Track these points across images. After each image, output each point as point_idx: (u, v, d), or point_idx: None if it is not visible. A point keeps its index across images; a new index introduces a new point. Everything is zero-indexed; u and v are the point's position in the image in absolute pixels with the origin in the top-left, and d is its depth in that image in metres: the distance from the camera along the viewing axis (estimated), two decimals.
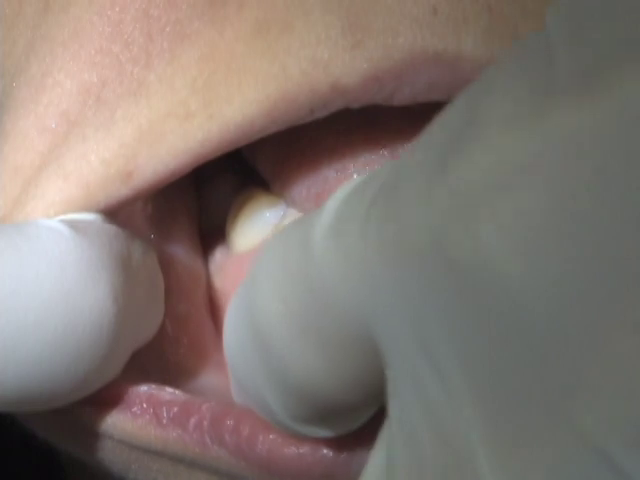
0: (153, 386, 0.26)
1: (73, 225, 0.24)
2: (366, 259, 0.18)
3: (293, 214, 0.30)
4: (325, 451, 0.24)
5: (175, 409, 0.25)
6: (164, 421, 0.25)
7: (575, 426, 0.14)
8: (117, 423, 0.26)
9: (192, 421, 0.25)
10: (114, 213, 0.26)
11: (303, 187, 0.29)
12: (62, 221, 0.24)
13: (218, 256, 0.31)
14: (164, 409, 0.25)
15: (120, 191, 0.25)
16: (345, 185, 0.20)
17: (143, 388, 0.26)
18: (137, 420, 0.26)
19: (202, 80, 0.25)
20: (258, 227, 0.31)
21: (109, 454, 0.27)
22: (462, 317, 0.16)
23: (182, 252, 0.30)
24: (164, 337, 0.28)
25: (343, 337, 0.19)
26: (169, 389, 0.26)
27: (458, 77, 0.24)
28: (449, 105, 0.17)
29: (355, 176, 0.29)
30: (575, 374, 0.14)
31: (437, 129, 0.17)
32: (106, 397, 0.26)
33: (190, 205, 0.31)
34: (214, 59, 0.25)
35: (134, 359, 0.26)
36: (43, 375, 0.23)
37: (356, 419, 0.23)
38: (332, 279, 0.19)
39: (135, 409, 0.26)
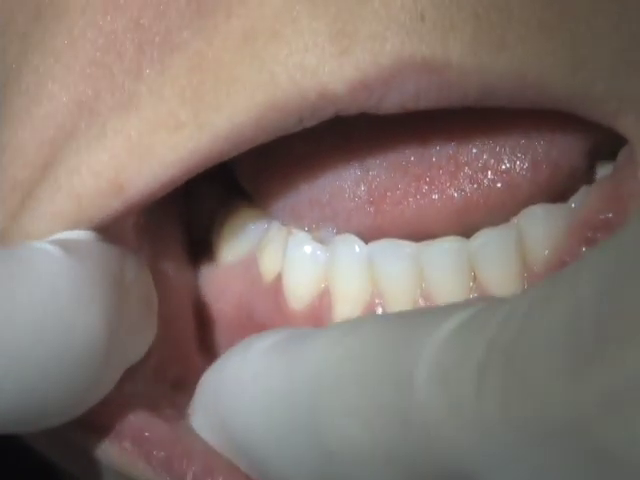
0: (143, 416, 0.25)
1: (65, 246, 0.24)
2: (483, 418, 0.18)
3: (276, 227, 0.30)
4: None
5: (162, 454, 0.25)
6: (152, 462, 0.25)
7: None
8: (108, 452, 0.25)
9: (177, 469, 0.25)
10: (107, 228, 0.25)
11: (279, 200, 0.29)
12: (54, 242, 0.24)
13: (203, 267, 0.31)
14: (153, 451, 0.25)
15: (112, 204, 0.25)
16: (435, 312, 0.20)
17: (133, 419, 0.25)
18: (127, 455, 0.25)
19: (191, 90, 0.24)
20: (243, 240, 0.30)
21: (102, 476, 0.26)
22: None
23: (172, 264, 0.29)
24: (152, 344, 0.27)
25: (436, 470, 0.19)
26: (158, 422, 0.25)
27: (445, 84, 0.24)
28: (583, 267, 0.17)
29: (325, 188, 0.29)
30: None
31: (564, 307, 0.17)
32: (98, 421, 0.25)
33: (179, 218, 0.31)
34: (202, 69, 0.24)
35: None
36: (37, 397, 0.23)
37: None
38: (438, 426, 0.19)
39: (125, 443, 0.25)
